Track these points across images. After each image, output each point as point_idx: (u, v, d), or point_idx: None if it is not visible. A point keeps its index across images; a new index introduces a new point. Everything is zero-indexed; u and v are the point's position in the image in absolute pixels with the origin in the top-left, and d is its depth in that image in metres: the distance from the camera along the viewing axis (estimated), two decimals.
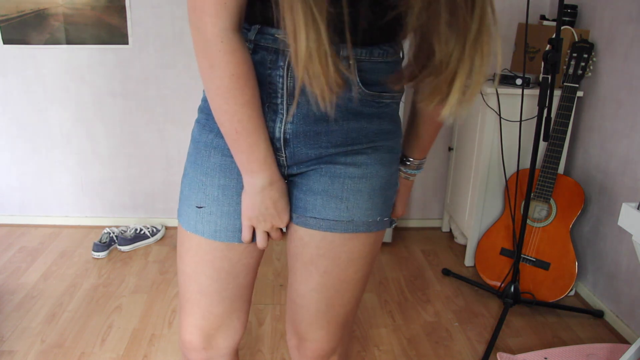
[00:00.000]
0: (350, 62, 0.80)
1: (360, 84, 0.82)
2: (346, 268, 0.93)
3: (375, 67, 0.83)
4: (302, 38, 0.68)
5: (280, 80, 0.81)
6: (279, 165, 0.89)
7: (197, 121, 0.93)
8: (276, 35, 0.79)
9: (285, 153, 0.87)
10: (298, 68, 0.71)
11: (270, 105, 0.84)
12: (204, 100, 0.91)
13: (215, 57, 0.75)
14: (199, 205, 0.91)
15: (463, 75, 0.73)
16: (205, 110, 0.90)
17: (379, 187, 0.90)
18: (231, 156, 0.88)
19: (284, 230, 0.95)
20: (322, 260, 0.92)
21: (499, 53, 0.75)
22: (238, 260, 0.94)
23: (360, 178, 0.89)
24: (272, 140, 0.86)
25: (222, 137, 0.87)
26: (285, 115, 0.83)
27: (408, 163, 1.00)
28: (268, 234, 0.93)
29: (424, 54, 0.75)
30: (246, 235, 0.91)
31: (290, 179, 0.93)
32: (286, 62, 0.80)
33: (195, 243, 0.93)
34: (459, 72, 0.73)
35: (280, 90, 0.82)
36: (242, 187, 0.89)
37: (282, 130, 0.85)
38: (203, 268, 0.93)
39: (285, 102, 0.83)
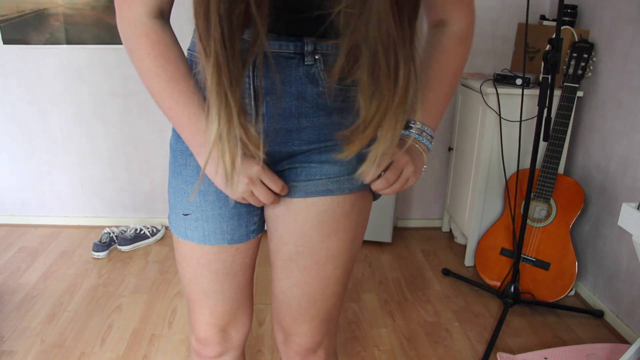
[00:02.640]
0: (317, 56, 0.80)
1: (327, 78, 0.82)
2: (325, 265, 0.93)
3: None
4: (214, 121, 0.71)
5: (248, 80, 0.81)
6: None
7: (173, 129, 0.93)
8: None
9: None
10: (209, 142, 0.73)
11: None
12: None
13: (130, 40, 0.78)
14: (184, 213, 0.92)
15: (379, 144, 0.75)
16: None
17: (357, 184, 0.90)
18: None
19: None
20: (301, 257, 0.93)
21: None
22: (232, 261, 0.96)
23: (337, 176, 0.89)
24: None
25: None
26: (254, 115, 0.83)
27: (412, 125, 0.89)
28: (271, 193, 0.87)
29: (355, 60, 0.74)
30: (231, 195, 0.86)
31: None
32: (254, 62, 0.80)
33: (189, 249, 0.95)
34: (376, 140, 0.75)
35: (248, 90, 0.82)
36: (221, 192, 0.89)
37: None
38: (201, 271, 0.96)
39: (253, 102, 0.82)
